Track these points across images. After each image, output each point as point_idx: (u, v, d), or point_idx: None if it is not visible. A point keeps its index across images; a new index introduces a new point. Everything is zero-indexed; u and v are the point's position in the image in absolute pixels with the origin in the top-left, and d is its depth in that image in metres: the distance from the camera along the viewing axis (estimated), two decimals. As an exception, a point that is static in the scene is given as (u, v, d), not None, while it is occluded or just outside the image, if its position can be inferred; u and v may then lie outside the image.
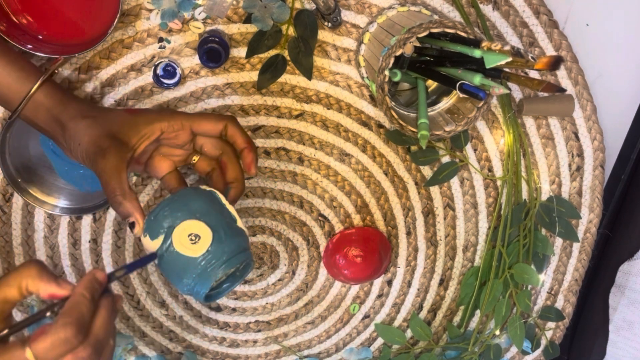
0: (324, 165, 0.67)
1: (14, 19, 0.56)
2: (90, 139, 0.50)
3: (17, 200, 0.64)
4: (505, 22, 0.62)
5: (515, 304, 0.70)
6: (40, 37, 0.57)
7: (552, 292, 0.73)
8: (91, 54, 0.60)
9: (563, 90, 0.46)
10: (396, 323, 0.73)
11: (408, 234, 0.70)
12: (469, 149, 0.67)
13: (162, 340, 0.72)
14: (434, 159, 0.66)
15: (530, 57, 0.44)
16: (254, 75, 0.63)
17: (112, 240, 0.67)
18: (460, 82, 0.52)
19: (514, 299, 0.70)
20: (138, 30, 0.60)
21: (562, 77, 0.64)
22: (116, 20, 0.55)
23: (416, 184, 0.68)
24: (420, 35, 0.49)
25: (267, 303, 0.72)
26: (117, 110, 0.54)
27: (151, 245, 0.49)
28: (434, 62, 0.55)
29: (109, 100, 0.62)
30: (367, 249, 0.66)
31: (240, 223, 0.52)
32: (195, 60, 0.61)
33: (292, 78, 0.63)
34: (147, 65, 0.61)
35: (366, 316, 0.73)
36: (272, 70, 0.62)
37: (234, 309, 0.72)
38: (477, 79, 0.50)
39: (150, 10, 0.59)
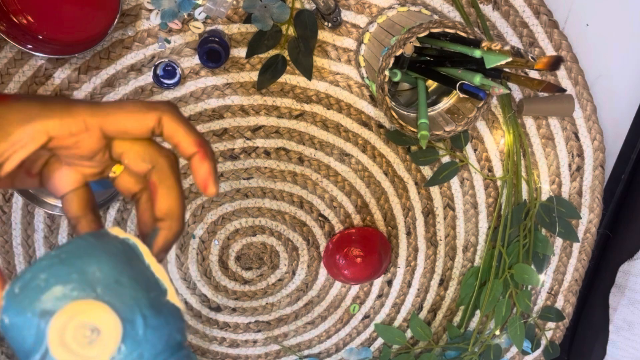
0: (324, 165, 0.67)
1: (14, 19, 0.56)
2: None
3: (17, 200, 0.64)
4: (505, 22, 0.62)
5: (515, 304, 0.70)
6: (40, 37, 0.57)
7: (552, 292, 0.73)
8: (91, 54, 0.60)
9: (563, 90, 0.46)
10: (396, 323, 0.73)
11: (408, 234, 0.70)
12: (469, 149, 0.67)
13: (162, 341, 0.72)
14: (434, 159, 0.66)
15: (530, 57, 0.44)
16: (254, 75, 0.63)
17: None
18: (460, 82, 0.52)
19: (514, 299, 0.69)
20: (138, 30, 0.60)
21: (562, 77, 0.64)
22: (116, 20, 0.55)
23: (416, 184, 0.68)
24: (420, 35, 0.49)
25: (267, 303, 0.72)
26: None
27: (12, 341, 0.28)
28: (434, 62, 0.55)
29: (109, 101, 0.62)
30: (367, 249, 0.66)
31: (172, 295, 0.31)
32: (195, 60, 0.61)
33: (292, 78, 0.63)
34: (147, 65, 0.61)
35: (366, 316, 0.73)
36: (272, 70, 0.62)
37: (234, 309, 0.72)
38: (477, 79, 0.50)
39: (150, 11, 0.59)
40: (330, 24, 0.61)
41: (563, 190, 0.68)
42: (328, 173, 0.67)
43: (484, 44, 0.47)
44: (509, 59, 0.45)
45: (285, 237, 0.69)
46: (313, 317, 0.73)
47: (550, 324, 0.74)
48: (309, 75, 0.62)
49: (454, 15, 0.62)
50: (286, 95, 0.64)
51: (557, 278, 0.72)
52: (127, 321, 0.28)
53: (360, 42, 0.61)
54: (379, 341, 0.74)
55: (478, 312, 0.72)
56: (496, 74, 0.49)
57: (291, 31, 0.61)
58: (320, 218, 0.69)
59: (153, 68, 0.61)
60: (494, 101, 0.65)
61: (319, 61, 0.63)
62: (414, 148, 0.66)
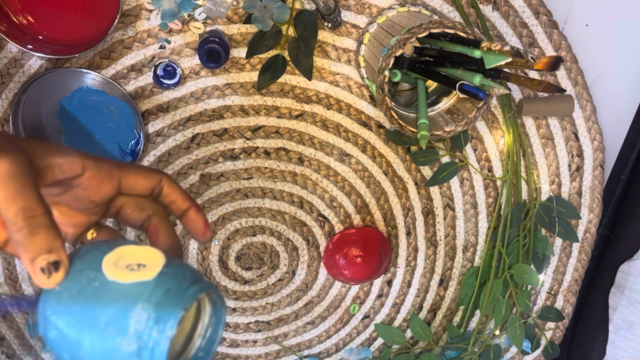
0: (324, 165, 0.67)
1: (14, 19, 0.56)
2: None
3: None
4: (505, 22, 0.62)
5: (515, 304, 0.70)
6: (40, 37, 0.57)
7: (552, 292, 0.73)
8: (91, 54, 0.60)
9: (563, 90, 0.46)
10: (396, 323, 0.73)
11: (408, 234, 0.70)
12: (468, 149, 0.67)
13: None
14: (434, 159, 0.66)
15: (530, 58, 0.44)
16: (254, 76, 0.63)
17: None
18: (460, 82, 0.52)
19: (514, 299, 0.70)
20: (138, 31, 0.60)
21: (562, 77, 0.64)
22: (116, 20, 0.55)
23: (416, 184, 0.68)
24: (420, 36, 0.49)
25: (267, 303, 0.72)
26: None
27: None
28: (434, 62, 0.55)
29: (109, 101, 0.62)
30: (367, 249, 0.66)
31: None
32: (196, 60, 0.61)
33: (292, 78, 0.63)
34: (147, 65, 0.61)
35: (366, 316, 0.73)
36: (272, 70, 0.62)
37: (234, 309, 0.72)
38: (477, 79, 0.50)
39: (151, 11, 0.59)
40: (330, 25, 0.61)
41: (563, 190, 0.68)
42: (328, 173, 0.67)
43: (484, 44, 0.47)
44: (509, 59, 0.45)
45: (285, 237, 0.69)
46: (313, 317, 0.73)
47: (550, 324, 0.74)
48: (309, 76, 0.63)
49: (454, 15, 0.62)
50: (286, 95, 0.64)
51: (557, 278, 0.72)
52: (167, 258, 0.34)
53: (360, 42, 0.61)
54: (379, 341, 0.74)
55: (478, 312, 0.72)
56: (496, 74, 0.49)
57: (291, 31, 0.61)
58: (320, 218, 0.69)
59: (153, 68, 0.61)
60: (494, 101, 0.65)
61: (319, 61, 0.63)
62: (413, 148, 0.66)
